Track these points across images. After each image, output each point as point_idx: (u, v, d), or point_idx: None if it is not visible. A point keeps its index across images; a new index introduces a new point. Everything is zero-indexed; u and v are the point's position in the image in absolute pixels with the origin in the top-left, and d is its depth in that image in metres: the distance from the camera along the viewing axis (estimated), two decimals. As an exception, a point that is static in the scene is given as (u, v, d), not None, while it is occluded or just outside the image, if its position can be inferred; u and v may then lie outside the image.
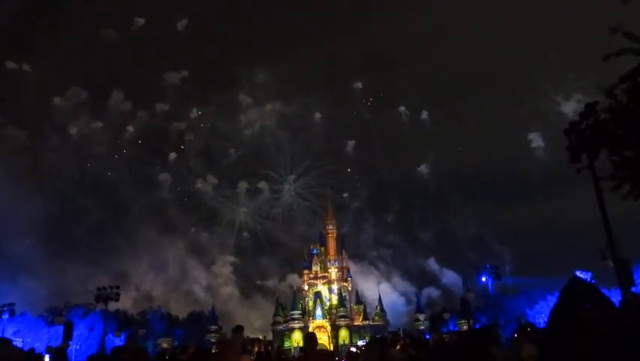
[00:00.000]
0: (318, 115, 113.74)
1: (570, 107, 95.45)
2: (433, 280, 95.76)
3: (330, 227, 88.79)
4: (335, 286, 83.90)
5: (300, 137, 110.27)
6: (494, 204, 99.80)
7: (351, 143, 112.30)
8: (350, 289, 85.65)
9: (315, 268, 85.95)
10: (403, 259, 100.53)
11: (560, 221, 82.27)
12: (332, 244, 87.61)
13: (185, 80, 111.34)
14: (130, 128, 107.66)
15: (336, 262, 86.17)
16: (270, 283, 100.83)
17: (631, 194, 12.20)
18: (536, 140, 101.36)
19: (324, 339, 74.89)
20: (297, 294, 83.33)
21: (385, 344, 10.98)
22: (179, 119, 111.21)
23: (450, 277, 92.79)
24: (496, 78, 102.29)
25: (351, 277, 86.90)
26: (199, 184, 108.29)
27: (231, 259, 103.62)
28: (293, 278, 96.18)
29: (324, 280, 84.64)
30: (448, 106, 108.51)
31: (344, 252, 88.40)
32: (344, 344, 73.90)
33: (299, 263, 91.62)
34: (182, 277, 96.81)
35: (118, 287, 42.74)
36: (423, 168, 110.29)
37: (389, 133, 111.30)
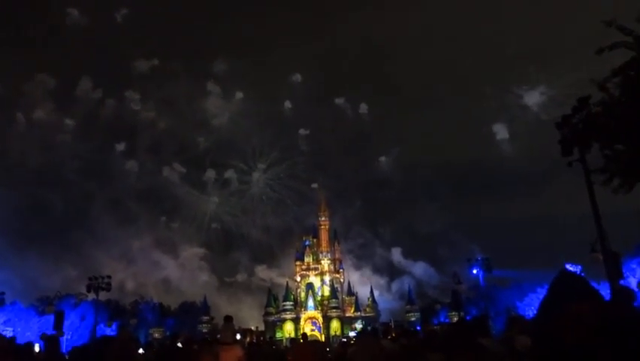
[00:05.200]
0: (288, 104, 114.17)
1: (534, 99, 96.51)
2: (402, 272, 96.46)
3: (323, 218, 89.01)
4: (327, 278, 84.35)
5: (269, 127, 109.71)
6: (459, 197, 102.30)
7: (315, 134, 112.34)
8: (342, 280, 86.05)
9: (308, 259, 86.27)
10: (371, 251, 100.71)
11: (547, 215, 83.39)
12: (324, 236, 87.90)
13: (155, 69, 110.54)
14: (98, 116, 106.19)
15: (329, 254, 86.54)
16: (243, 275, 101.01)
17: (622, 188, 12.28)
18: (501, 132, 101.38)
19: (315, 331, 75.52)
20: (290, 285, 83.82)
21: (377, 335, 11.04)
22: (148, 107, 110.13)
23: (421, 268, 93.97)
24: (459, 70, 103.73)
25: (343, 268, 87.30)
26: (166, 172, 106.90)
27: (200, 250, 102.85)
28: (263, 270, 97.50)
29: (317, 272, 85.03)
30: (409, 98, 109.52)
31: (336, 243, 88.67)
32: (335, 335, 74.35)
33: (270, 255, 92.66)
34: (153, 268, 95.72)
35: (109, 277, 42.51)
36: (383, 160, 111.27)
37: (346, 126, 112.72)
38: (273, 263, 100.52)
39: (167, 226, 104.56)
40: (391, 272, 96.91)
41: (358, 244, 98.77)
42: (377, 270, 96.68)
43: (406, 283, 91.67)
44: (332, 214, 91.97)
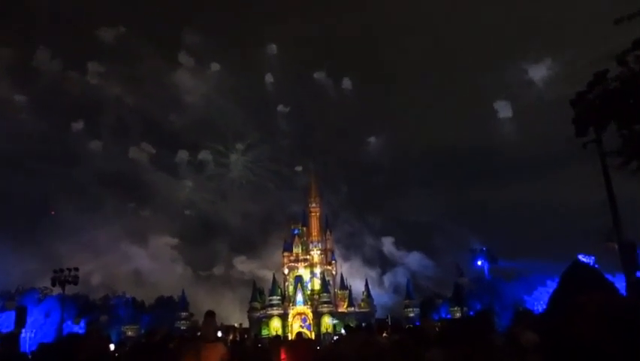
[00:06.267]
0: (269, 79, 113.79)
1: (540, 74, 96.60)
2: (395, 263, 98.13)
3: (314, 205, 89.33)
4: (318, 270, 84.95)
5: (248, 104, 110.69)
6: (457, 183, 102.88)
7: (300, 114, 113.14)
8: (334, 273, 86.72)
9: (297, 249, 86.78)
10: (360, 241, 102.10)
11: (557, 201, 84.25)
12: (315, 224, 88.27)
13: (120, 38, 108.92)
14: (57, 91, 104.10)
15: (320, 244, 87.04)
16: (220, 268, 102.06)
17: (639, 171, 12.39)
18: (504, 109, 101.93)
19: (305, 328, 76.17)
20: (277, 278, 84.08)
21: (371, 332, 11.14)
22: (113, 80, 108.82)
23: (415, 259, 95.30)
24: (457, 42, 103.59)
25: (335, 260, 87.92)
26: (134, 154, 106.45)
27: (173, 240, 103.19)
28: (242, 262, 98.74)
29: (306, 263, 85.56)
30: (400, 73, 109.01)
31: (328, 232, 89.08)
32: (327, 333, 75.05)
33: (250, 245, 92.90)
34: (122, 260, 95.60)
35: (76, 269, 42.51)
36: (373, 142, 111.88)
37: (330, 103, 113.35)
38: (254, 254, 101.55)
39: (136, 213, 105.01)
40: (383, 264, 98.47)
41: (346, 233, 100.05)
42: (367, 261, 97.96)
43: (399, 275, 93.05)
44: (324, 200, 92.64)
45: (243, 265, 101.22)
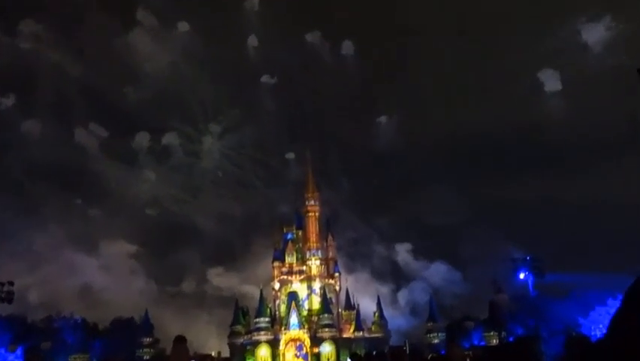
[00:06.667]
0: (252, 42, 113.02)
1: (596, 36, 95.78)
2: (411, 276, 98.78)
3: (312, 203, 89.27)
4: (317, 285, 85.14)
5: (226, 75, 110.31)
6: (490, 176, 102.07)
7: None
8: (338, 288, 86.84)
9: (290, 259, 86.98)
10: (367, 249, 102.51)
11: (618, 201, 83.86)
12: (313, 227, 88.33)
13: None
14: None
15: (319, 252, 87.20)
16: (191, 283, 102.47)
17: None
18: (551, 81, 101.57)
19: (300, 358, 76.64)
20: (265, 295, 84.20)
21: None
22: (53, 44, 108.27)
23: (438, 272, 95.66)
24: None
25: (339, 271, 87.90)
26: (80, 137, 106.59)
27: (132, 248, 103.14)
28: (219, 275, 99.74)
29: (302, 276, 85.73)
30: (419, 36, 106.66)
31: (330, 237, 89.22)
32: (328, 364, 75.73)
33: (229, 254, 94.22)
34: (67, 272, 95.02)
35: (11, 283, 42.64)
36: (383, 123, 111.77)
37: (334, 75, 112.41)
38: (234, 265, 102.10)
39: (83, 213, 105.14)
40: (397, 277, 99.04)
41: (349, 238, 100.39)
42: (377, 274, 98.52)
43: (418, 291, 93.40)
44: (323, 197, 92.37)
45: (220, 278, 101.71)
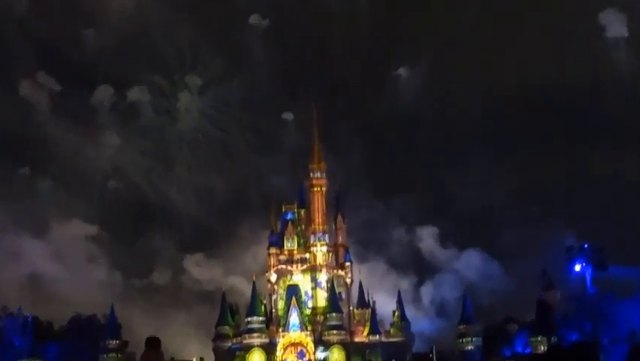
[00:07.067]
0: None
1: None
2: (437, 267, 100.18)
3: (317, 175, 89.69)
4: (323, 277, 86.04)
5: (206, 15, 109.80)
6: (536, 146, 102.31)
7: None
8: (349, 281, 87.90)
9: (290, 244, 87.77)
10: (384, 233, 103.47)
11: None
12: (319, 205, 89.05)
13: None
14: None
15: (326, 236, 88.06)
16: (164, 273, 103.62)
17: None
18: (614, 25, 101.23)
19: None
20: (259, 289, 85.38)
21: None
22: None
23: (472, 262, 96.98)
24: None
25: (350, 261, 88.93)
26: (25, 90, 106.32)
27: (91, 229, 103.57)
28: (199, 264, 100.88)
29: (305, 266, 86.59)
30: None
31: (340, 218, 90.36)
32: (336, 373, 77.02)
33: (211, 238, 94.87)
34: (10, 258, 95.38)
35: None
36: (403, 77, 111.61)
37: (340, 14, 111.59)
38: (217, 253, 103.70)
39: (30, 185, 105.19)
40: (420, 269, 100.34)
41: (361, 220, 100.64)
42: (394, 265, 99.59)
43: (446, 286, 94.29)
44: (331, 168, 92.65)
45: (199, 268, 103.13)
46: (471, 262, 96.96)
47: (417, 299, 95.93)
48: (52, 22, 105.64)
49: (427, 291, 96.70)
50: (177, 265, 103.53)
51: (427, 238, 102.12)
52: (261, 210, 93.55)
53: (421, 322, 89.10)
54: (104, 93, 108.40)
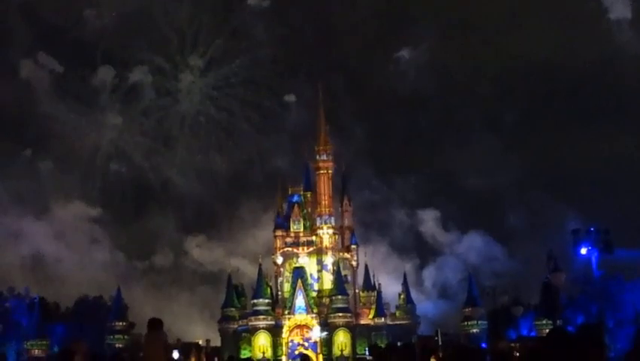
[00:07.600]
0: None
1: None
2: (440, 250, 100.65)
3: (324, 157, 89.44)
4: (329, 259, 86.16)
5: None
6: (540, 126, 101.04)
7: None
8: (355, 264, 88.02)
9: (296, 227, 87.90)
10: (386, 215, 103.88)
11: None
12: (325, 187, 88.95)
13: None
14: None
15: (332, 219, 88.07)
16: (167, 255, 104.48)
17: None
18: (618, 5, 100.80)
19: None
20: (264, 271, 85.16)
21: (412, 355, 11.88)
22: None
23: (475, 245, 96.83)
24: None
25: (357, 244, 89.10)
26: (26, 72, 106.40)
27: (93, 211, 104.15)
28: (200, 245, 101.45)
29: (311, 249, 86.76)
30: None
31: (346, 201, 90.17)
32: (342, 356, 76.86)
33: (212, 220, 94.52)
34: (13, 239, 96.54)
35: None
36: (405, 58, 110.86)
37: None
38: (218, 234, 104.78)
39: (31, 167, 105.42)
40: (423, 251, 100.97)
41: (364, 202, 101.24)
42: (397, 247, 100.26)
43: (449, 269, 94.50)
44: (338, 150, 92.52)
45: (200, 250, 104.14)
46: (473, 245, 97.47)
47: (418, 282, 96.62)
48: (52, 3, 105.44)
49: (428, 274, 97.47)
50: (179, 246, 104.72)
51: (428, 220, 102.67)
52: (263, 191, 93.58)
53: (422, 305, 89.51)
54: (105, 74, 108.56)
